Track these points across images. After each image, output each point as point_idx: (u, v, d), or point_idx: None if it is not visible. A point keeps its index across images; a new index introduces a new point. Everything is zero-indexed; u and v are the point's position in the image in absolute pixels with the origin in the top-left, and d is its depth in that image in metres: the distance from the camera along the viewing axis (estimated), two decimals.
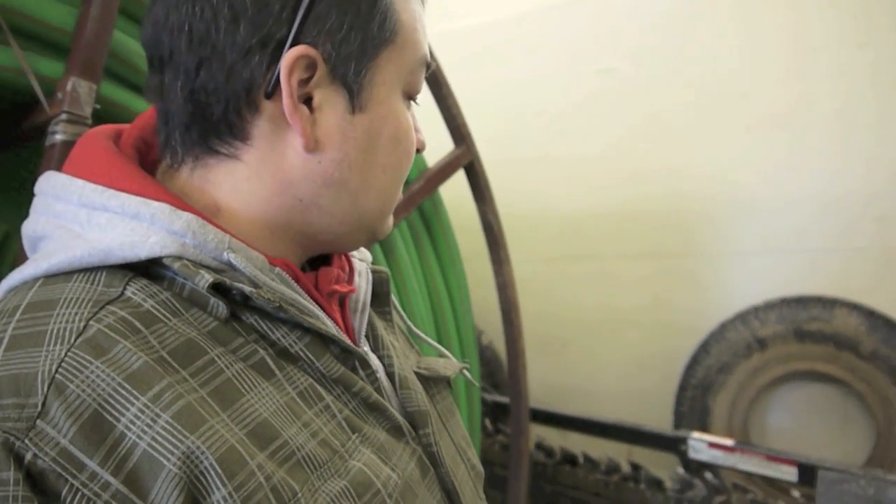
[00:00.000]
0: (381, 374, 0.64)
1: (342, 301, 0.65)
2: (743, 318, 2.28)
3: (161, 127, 0.59)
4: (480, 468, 0.73)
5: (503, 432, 2.32)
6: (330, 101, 0.56)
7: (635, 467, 2.06)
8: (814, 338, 2.17)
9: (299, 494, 0.47)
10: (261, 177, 0.57)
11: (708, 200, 2.33)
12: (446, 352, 0.78)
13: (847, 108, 2.11)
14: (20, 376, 0.43)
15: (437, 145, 1.61)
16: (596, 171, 2.50)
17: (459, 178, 1.65)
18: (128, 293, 0.49)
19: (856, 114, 2.10)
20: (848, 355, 2.14)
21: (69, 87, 0.80)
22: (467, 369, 0.76)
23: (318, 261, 0.67)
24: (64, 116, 0.79)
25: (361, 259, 0.71)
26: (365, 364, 0.60)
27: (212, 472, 0.44)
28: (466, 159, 1.58)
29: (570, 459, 2.18)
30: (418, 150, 0.65)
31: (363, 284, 0.68)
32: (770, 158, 2.23)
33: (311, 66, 0.55)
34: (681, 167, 2.36)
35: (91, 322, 0.46)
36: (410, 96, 0.62)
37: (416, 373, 0.69)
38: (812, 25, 2.13)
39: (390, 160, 0.60)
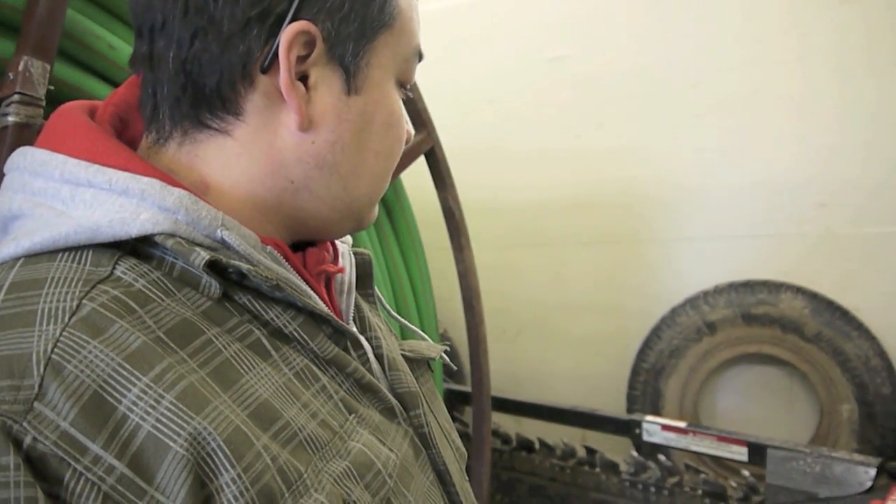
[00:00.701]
0: (371, 356, 0.63)
1: (328, 283, 0.65)
2: (693, 302, 2.33)
3: (147, 99, 0.56)
4: (464, 450, 0.74)
5: (461, 420, 2.33)
6: (326, 81, 0.55)
7: (590, 451, 2.09)
8: (761, 321, 2.24)
9: (304, 475, 0.46)
10: (252, 155, 0.55)
11: (659, 187, 2.37)
12: (425, 335, 0.78)
13: (792, 97, 2.17)
14: (13, 357, 0.41)
15: None
16: (548, 159, 2.52)
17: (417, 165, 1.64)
18: (117, 272, 0.47)
19: (801, 102, 2.16)
20: (793, 338, 2.20)
21: (21, 66, 0.76)
22: (446, 352, 0.76)
23: (302, 242, 0.66)
24: (16, 97, 0.75)
25: (343, 241, 0.70)
26: (357, 344, 0.60)
27: (220, 454, 0.42)
28: (427, 145, 1.57)
29: (526, 446, 2.20)
30: (406, 141, 0.64)
31: (347, 266, 0.67)
32: (718, 146, 2.28)
33: (310, 44, 0.54)
34: (632, 155, 2.39)
35: (84, 301, 0.44)
36: (403, 84, 0.62)
37: (401, 355, 0.69)
38: (762, 13, 2.18)
39: (383, 146, 0.60)
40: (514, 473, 2.18)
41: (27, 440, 0.39)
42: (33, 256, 0.48)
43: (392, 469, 0.54)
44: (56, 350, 0.41)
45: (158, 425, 0.41)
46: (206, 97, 0.54)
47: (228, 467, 0.42)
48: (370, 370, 0.60)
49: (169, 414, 0.42)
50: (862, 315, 2.13)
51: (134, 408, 0.41)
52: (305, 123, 0.55)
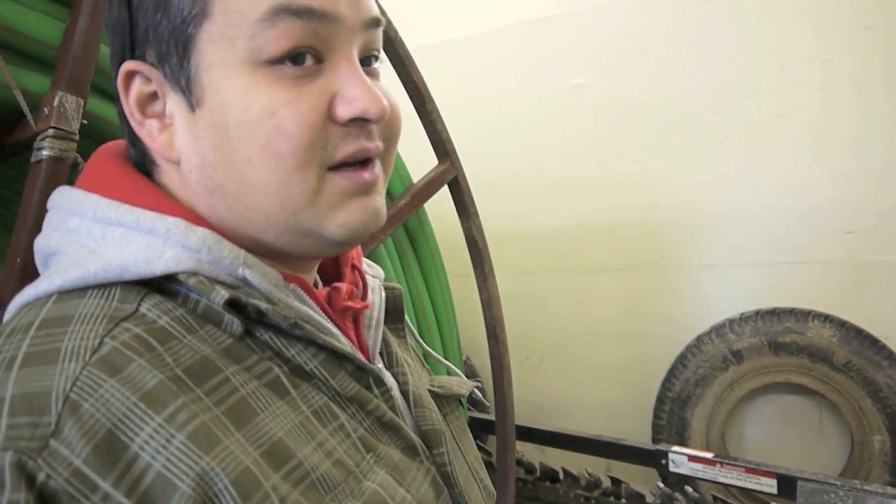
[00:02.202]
0: (396, 392, 0.63)
1: (356, 317, 0.64)
2: (719, 330, 2.30)
3: None
4: (492, 489, 0.73)
5: (484, 450, 2.31)
6: (177, 107, 0.53)
7: (615, 482, 2.06)
8: (788, 350, 2.20)
9: None
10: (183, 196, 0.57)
11: (683, 214, 2.36)
12: (457, 370, 0.77)
13: (818, 123, 2.15)
14: (34, 394, 0.42)
15: (421, 160, 1.61)
16: (570, 185, 2.52)
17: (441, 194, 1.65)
18: (142, 309, 0.48)
19: (827, 128, 2.15)
20: (821, 367, 2.17)
21: (56, 101, 0.78)
22: (478, 388, 0.76)
23: (333, 278, 0.65)
24: (51, 132, 0.77)
25: (374, 276, 0.70)
26: (379, 382, 0.60)
27: (226, 494, 0.43)
28: (450, 175, 1.57)
29: (550, 475, 2.17)
30: (366, 119, 0.53)
31: (376, 301, 0.67)
32: (741, 172, 2.26)
33: (147, 79, 0.53)
34: (655, 181, 2.38)
35: (106, 339, 0.45)
36: (277, 59, 0.51)
37: (429, 391, 0.68)
38: (783, 41, 2.18)
39: (253, 150, 0.51)
40: (538, 503, 2.16)
41: (41, 476, 0.40)
42: (65, 293, 0.50)
43: None
44: (75, 388, 0.43)
45: (168, 464, 0.42)
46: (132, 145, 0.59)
47: None
48: (393, 407, 0.60)
49: (179, 454, 0.43)
50: (892, 344, 2.09)
51: (146, 446, 0.42)
52: (173, 157, 0.54)
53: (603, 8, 2.41)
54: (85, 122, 0.81)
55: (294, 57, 0.51)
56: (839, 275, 2.18)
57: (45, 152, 0.76)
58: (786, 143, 2.20)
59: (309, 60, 0.52)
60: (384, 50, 1.48)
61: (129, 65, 0.53)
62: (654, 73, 2.36)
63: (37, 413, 0.42)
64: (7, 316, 0.53)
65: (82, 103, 0.80)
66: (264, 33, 0.50)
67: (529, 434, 2.19)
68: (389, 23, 1.43)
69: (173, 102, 0.53)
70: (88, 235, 0.53)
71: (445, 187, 1.62)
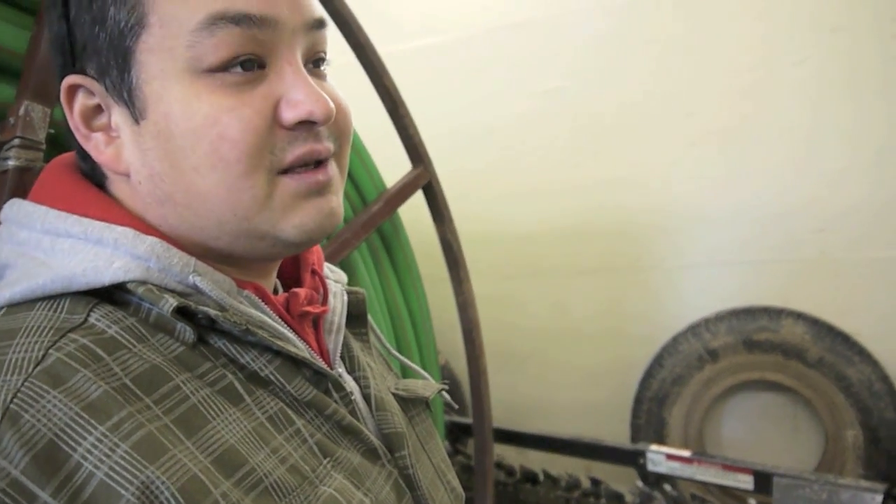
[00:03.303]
0: (357, 396, 0.63)
1: (316, 322, 0.64)
2: (694, 330, 2.32)
3: None
4: (461, 490, 0.73)
5: (463, 453, 2.31)
6: (122, 119, 0.54)
7: (595, 482, 2.07)
8: (762, 348, 2.23)
9: None
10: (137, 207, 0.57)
11: (658, 215, 2.38)
12: (424, 373, 0.78)
13: (787, 125, 2.19)
14: None
15: (395, 165, 1.61)
16: (547, 188, 2.53)
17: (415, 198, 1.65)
18: (91, 319, 0.48)
19: (796, 129, 2.18)
20: (795, 363, 2.20)
21: (22, 111, 0.78)
22: (445, 390, 0.76)
23: (291, 283, 0.66)
24: (17, 141, 0.76)
25: (336, 280, 0.70)
26: (339, 386, 0.60)
27: (172, 503, 0.43)
28: (424, 179, 1.58)
29: (530, 477, 2.18)
30: (312, 121, 0.54)
31: (338, 305, 0.67)
32: (715, 173, 2.29)
33: (90, 93, 0.54)
34: (630, 184, 2.41)
35: (51, 351, 0.45)
36: (217, 67, 0.51)
37: (394, 394, 0.68)
38: (752, 44, 2.21)
39: (199, 158, 0.51)
40: None
41: None
42: (14, 306, 0.50)
43: None
44: (15, 400, 0.43)
45: (111, 473, 0.42)
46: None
47: None
48: (354, 411, 0.60)
49: (123, 463, 0.42)
50: (863, 340, 2.13)
51: (88, 456, 0.42)
52: (121, 169, 0.55)
53: (576, 13, 2.43)
54: (52, 131, 0.81)
55: (236, 63, 0.51)
56: (811, 273, 2.21)
57: (10, 162, 0.76)
58: (756, 144, 2.23)
59: (251, 66, 0.52)
60: (357, 58, 1.49)
61: (70, 79, 0.53)
62: (627, 77, 2.38)
63: None
64: None
65: (49, 112, 0.80)
66: (203, 42, 0.50)
67: (509, 437, 2.20)
68: (360, 29, 1.44)
69: (118, 115, 0.54)
70: (38, 247, 0.53)
71: (420, 192, 1.62)
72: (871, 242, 2.13)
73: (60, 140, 0.84)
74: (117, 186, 0.57)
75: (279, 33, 0.53)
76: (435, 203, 1.66)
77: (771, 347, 2.22)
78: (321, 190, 0.56)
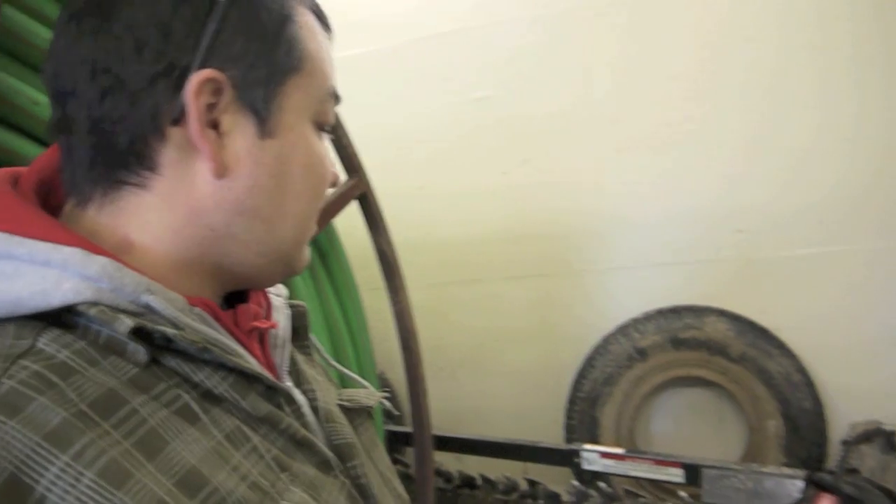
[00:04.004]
0: (307, 409, 0.63)
1: (261, 338, 0.64)
2: (624, 330, 2.39)
3: (65, 164, 0.57)
4: (406, 496, 0.74)
5: (401, 462, 2.31)
6: (239, 126, 0.56)
7: (532, 484, 2.10)
8: (689, 345, 2.31)
9: None
10: (171, 206, 0.56)
11: (586, 219, 2.44)
12: (366, 382, 0.78)
13: (707, 131, 2.28)
14: None
15: None
16: (477, 195, 2.57)
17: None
18: (39, 345, 0.47)
19: (716, 135, 2.27)
20: (719, 359, 2.29)
21: None
22: (387, 398, 0.77)
23: (234, 298, 0.65)
24: None
25: (277, 294, 0.70)
26: (290, 400, 0.60)
27: None
28: (359, 190, 1.58)
29: (468, 483, 2.20)
30: (332, 184, 0.65)
31: (281, 319, 0.67)
32: (640, 179, 2.37)
33: (218, 91, 0.55)
34: (559, 189, 2.46)
35: (3, 379, 0.43)
36: (321, 127, 0.63)
37: (338, 405, 0.69)
38: (674, 53, 2.30)
39: (304, 187, 0.60)
40: None
41: None
42: None
43: None
44: None
45: (79, 503, 0.41)
46: (120, 155, 0.55)
47: None
48: (305, 424, 0.61)
49: (89, 492, 0.41)
50: (782, 334, 2.23)
51: (53, 487, 0.41)
52: (221, 170, 0.55)
53: (503, 23, 2.48)
54: None
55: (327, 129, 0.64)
56: (732, 272, 2.31)
57: None
58: (680, 149, 2.32)
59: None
60: None
61: (213, 73, 0.54)
62: (553, 86, 2.44)
63: None
64: None
65: None
66: (326, 104, 0.63)
67: (446, 443, 2.21)
68: None
69: (237, 123, 0.56)
70: None
71: (355, 202, 1.63)
72: (786, 242, 2.24)
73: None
74: (162, 182, 0.56)
75: None
76: (370, 213, 1.66)
77: (696, 344, 2.30)
78: None
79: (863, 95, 2.13)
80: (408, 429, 2.04)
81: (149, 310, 0.52)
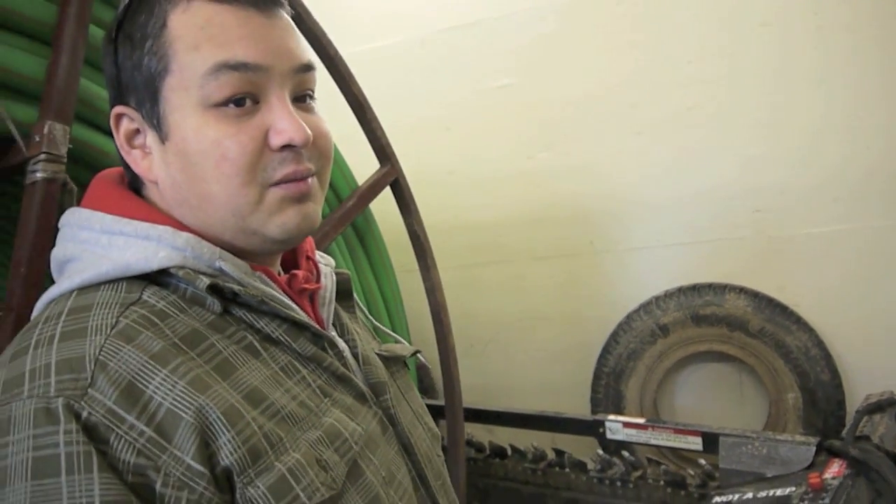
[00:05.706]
0: (348, 354, 0.78)
1: (312, 297, 0.79)
2: (646, 307, 2.47)
3: None
4: (436, 430, 0.90)
5: None
6: (153, 140, 0.70)
7: (559, 453, 2.18)
8: (709, 321, 2.38)
9: (284, 439, 0.62)
10: (167, 206, 0.72)
11: (608, 201, 2.51)
12: (401, 339, 0.93)
13: (725, 113, 2.33)
14: (73, 359, 0.57)
15: (365, 164, 1.73)
16: (504, 179, 2.65)
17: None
18: (144, 297, 0.64)
19: (734, 117, 2.32)
20: (739, 334, 2.35)
21: (46, 129, 0.88)
22: (420, 353, 0.92)
23: (292, 266, 0.80)
24: (43, 156, 0.87)
25: (326, 264, 0.85)
26: (333, 345, 0.75)
27: (218, 423, 0.58)
28: (392, 177, 1.70)
29: (499, 453, 2.28)
30: (290, 146, 0.67)
31: (328, 283, 0.82)
32: (660, 160, 2.42)
33: (132, 119, 0.70)
34: (581, 172, 2.53)
35: (121, 318, 0.61)
36: (221, 103, 0.65)
37: (377, 354, 0.83)
38: (692, 36, 2.35)
39: (210, 168, 0.66)
40: (489, 480, 2.26)
41: (84, 414, 0.55)
42: (84, 289, 0.65)
43: (357, 438, 0.69)
44: (102, 353, 0.58)
45: (175, 402, 0.57)
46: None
47: (225, 431, 0.58)
48: (345, 364, 0.76)
49: (182, 394, 0.58)
50: (800, 310, 2.29)
51: (157, 391, 0.58)
52: (152, 178, 0.71)
53: (524, 11, 2.55)
54: (71, 146, 0.91)
55: (235, 100, 0.66)
56: (750, 250, 2.37)
57: (38, 174, 0.87)
58: (698, 132, 2.37)
59: (247, 102, 0.66)
60: (327, 69, 1.60)
61: (118, 109, 0.70)
62: (573, 72, 2.51)
63: (76, 371, 0.57)
64: (37, 310, 0.69)
65: (68, 130, 0.90)
66: (210, 84, 0.65)
67: (477, 415, 2.30)
68: (329, 44, 1.55)
69: (150, 137, 0.70)
70: (97, 244, 0.68)
71: (388, 188, 1.74)
72: (802, 220, 2.29)
73: (79, 155, 0.95)
74: (151, 191, 0.73)
75: (270, 76, 0.67)
76: (402, 198, 1.78)
77: (716, 320, 2.37)
78: (301, 198, 0.70)
79: (883, 73, 2.16)
80: (440, 402, 2.15)
81: (221, 272, 0.68)
